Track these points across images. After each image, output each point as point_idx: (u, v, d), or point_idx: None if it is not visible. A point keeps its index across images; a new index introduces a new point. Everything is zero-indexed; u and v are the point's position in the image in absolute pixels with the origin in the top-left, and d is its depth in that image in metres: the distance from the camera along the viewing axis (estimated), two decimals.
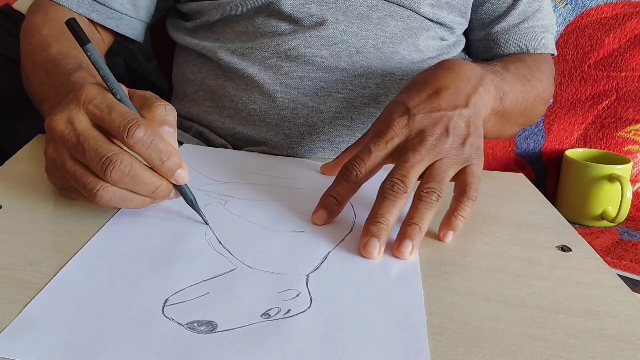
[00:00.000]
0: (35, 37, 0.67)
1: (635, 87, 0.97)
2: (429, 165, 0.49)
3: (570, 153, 0.98)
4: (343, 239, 0.48)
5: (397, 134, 0.51)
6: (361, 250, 0.46)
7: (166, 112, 0.46)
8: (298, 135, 0.70)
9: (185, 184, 0.47)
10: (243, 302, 0.38)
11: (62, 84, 0.56)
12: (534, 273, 0.45)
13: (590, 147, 1.00)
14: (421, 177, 0.49)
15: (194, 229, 0.48)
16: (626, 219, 0.93)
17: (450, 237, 0.49)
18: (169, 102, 0.49)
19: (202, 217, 0.49)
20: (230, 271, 0.42)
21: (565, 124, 1.01)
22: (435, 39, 0.76)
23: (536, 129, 1.02)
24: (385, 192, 0.47)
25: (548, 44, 0.80)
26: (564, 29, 0.99)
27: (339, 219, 0.51)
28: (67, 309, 0.37)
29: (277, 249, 0.46)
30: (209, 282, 0.40)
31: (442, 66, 0.57)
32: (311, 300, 0.39)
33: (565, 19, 0.99)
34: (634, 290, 0.44)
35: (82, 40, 0.47)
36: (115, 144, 0.44)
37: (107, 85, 0.47)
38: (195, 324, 0.36)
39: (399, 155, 0.50)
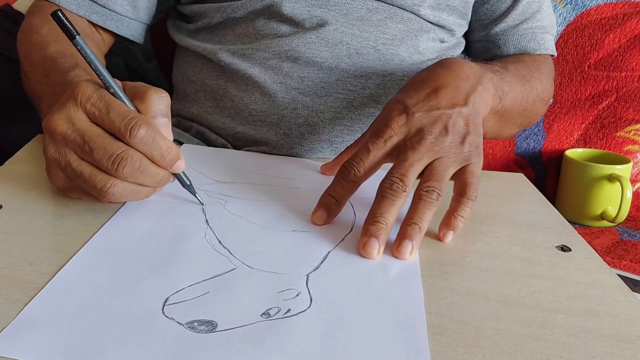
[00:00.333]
0: (34, 36, 0.67)
1: (635, 87, 0.97)
2: (428, 164, 0.49)
3: (570, 153, 0.98)
4: (343, 239, 0.48)
5: (396, 133, 0.51)
6: (360, 250, 0.46)
7: (159, 100, 0.47)
8: (298, 135, 0.70)
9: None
10: (243, 301, 0.38)
11: (59, 83, 0.57)
12: (533, 273, 0.45)
13: (590, 147, 1.00)
14: (420, 176, 0.49)
15: (194, 229, 0.48)
16: (626, 219, 0.93)
17: (450, 237, 0.49)
18: None
19: (198, 200, 0.52)
20: (230, 271, 0.42)
21: (565, 124, 1.01)
22: (435, 41, 0.76)
23: (536, 129, 1.02)
24: (384, 192, 0.47)
25: (548, 45, 0.80)
26: (564, 29, 0.99)
27: (338, 218, 0.51)
28: (67, 308, 0.37)
29: (277, 248, 0.46)
30: (209, 282, 0.40)
31: (441, 65, 0.57)
32: (311, 300, 0.39)
33: (565, 19, 0.99)
34: (634, 290, 0.44)
35: (70, 33, 0.46)
36: (118, 140, 0.45)
37: (99, 78, 0.47)
38: (195, 324, 0.36)
39: (398, 154, 0.50)
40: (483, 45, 0.82)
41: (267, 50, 0.70)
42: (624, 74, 0.97)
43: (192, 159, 0.62)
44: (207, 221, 0.49)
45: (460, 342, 0.36)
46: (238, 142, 0.73)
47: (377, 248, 0.45)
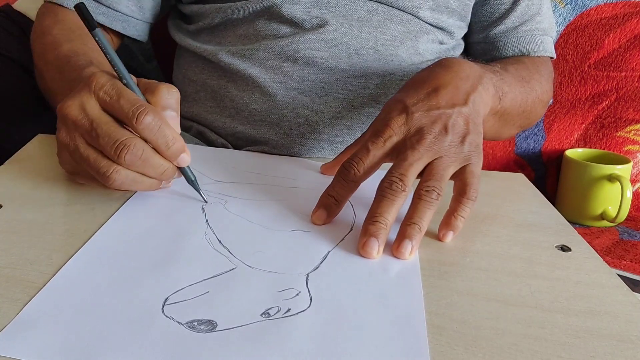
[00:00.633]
0: (47, 37, 0.69)
1: (635, 87, 0.97)
2: (428, 164, 0.49)
3: (570, 153, 0.98)
4: (343, 239, 0.48)
5: (396, 133, 0.51)
6: (360, 250, 0.46)
7: (169, 94, 0.49)
8: (298, 135, 0.70)
9: (187, 166, 0.51)
10: (243, 301, 0.38)
11: (74, 80, 0.58)
12: (533, 273, 0.45)
13: (590, 147, 1.00)
14: (420, 175, 0.49)
15: (194, 228, 0.48)
16: (626, 219, 0.93)
17: (450, 237, 0.49)
18: None
19: (202, 197, 0.52)
20: (230, 270, 0.42)
21: (565, 124, 1.01)
22: (435, 43, 0.76)
23: (536, 129, 1.02)
24: (384, 191, 0.47)
25: (547, 47, 0.80)
26: (564, 29, 0.99)
27: (338, 218, 0.51)
28: (67, 308, 0.37)
29: (277, 248, 0.46)
30: (209, 282, 0.40)
31: (441, 64, 0.57)
32: (311, 300, 0.39)
33: (565, 19, 0.99)
34: (634, 290, 0.44)
35: (90, 25, 0.49)
36: (126, 129, 0.47)
37: (114, 69, 0.49)
38: (195, 323, 0.36)
39: (398, 154, 0.50)
40: (482, 47, 0.82)
41: (267, 51, 0.70)
42: (624, 74, 0.97)
43: (192, 158, 0.62)
44: (207, 221, 0.49)
45: (460, 342, 0.36)
46: (238, 142, 0.73)
47: (376, 248, 0.45)
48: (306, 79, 0.70)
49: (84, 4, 0.49)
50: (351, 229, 0.50)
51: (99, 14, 0.72)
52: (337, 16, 0.70)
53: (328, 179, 0.52)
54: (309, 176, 0.62)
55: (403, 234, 0.46)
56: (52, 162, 0.58)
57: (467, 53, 0.84)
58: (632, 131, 0.99)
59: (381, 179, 0.48)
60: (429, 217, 0.47)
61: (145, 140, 0.47)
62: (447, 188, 0.49)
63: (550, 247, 0.49)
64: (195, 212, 0.51)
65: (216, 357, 0.33)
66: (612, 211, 0.92)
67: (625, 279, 0.71)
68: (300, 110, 0.70)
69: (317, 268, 0.43)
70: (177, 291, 0.39)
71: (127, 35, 0.76)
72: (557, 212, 0.57)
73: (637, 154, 0.99)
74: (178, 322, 0.36)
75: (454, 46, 0.80)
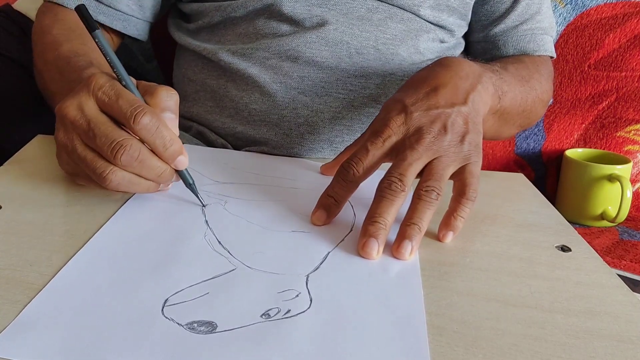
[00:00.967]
0: (47, 37, 0.69)
1: (635, 87, 0.97)
2: (428, 164, 0.49)
3: (570, 153, 0.98)
4: (343, 239, 0.48)
5: (395, 132, 0.51)
6: (360, 250, 0.46)
7: (168, 96, 0.49)
8: (298, 135, 0.70)
9: (185, 169, 0.50)
10: (243, 302, 0.38)
11: (75, 81, 0.58)
12: (533, 273, 0.45)
13: (590, 147, 1.00)
14: (420, 175, 0.49)
15: (194, 229, 0.48)
16: (626, 219, 0.93)
17: (449, 237, 0.49)
18: None
19: (199, 200, 0.52)
20: (230, 271, 0.42)
21: (565, 124, 1.01)
22: (435, 41, 0.76)
23: (536, 129, 1.02)
24: (383, 192, 0.47)
25: (547, 47, 0.80)
26: (564, 29, 0.99)
27: (338, 219, 0.51)
28: (66, 309, 0.37)
29: (276, 249, 0.46)
30: (209, 283, 0.40)
31: (441, 64, 0.57)
32: (311, 301, 0.39)
33: (565, 19, 0.99)
34: (634, 290, 0.44)
35: (91, 26, 0.49)
36: (124, 130, 0.47)
37: (113, 70, 0.49)
38: (195, 325, 0.36)
39: (397, 154, 0.50)
40: (482, 46, 0.81)
41: (267, 50, 0.70)
42: (624, 74, 0.97)
43: (192, 159, 0.61)
44: (206, 222, 0.49)
45: (460, 342, 0.36)
46: (238, 142, 0.73)
47: (376, 248, 0.45)
48: (306, 78, 0.70)
49: (84, 5, 0.49)
50: (351, 230, 0.50)
51: (99, 13, 0.72)
52: (337, 14, 0.70)
53: (328, 179, 0.52)
54: (308, 176, 0.62)
55: (403, 235, 0.46)
56: (52, 163, 0.58)
57: (467, 52, 0.84)
58: (632, 131, 0.98)
59: (380, 179, 0.48)
60: (428, 217, 0.47)
61: (143, 142, 0.47)
62: (446, 188, 0.49)
63: (550, 247, 0.49)
64: (195, 213, 0.51)
65: (216, 358, 0.33)
66: (612, 211, 0.92)
67: (625, 279, 0.71)
68: (300, 110, 0.70)
69: (317, 269, 0.43)
70: (177, 292, 0.39)
71: (128, 35, 0.76)
72: (557, 212, 0.57)
73: (637, 154, 0.99)
74: (178, 324, 0.36)
75: (455, 45, 0.80)
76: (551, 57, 0.82)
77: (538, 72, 0.75)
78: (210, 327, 0.36)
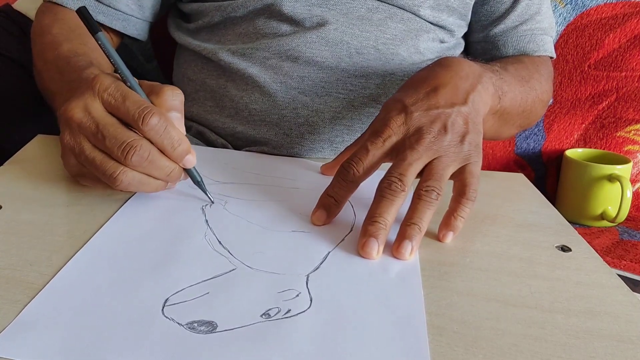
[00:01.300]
0: (46, 36, 0.69)
1: (635, 87, 0.97)
2: (428, 164, 0.49)
3: (570, 153, 0.98)
4: (343, 239, 0.48)
5: (395, 132, 0.51)
6: (360, 250, 0.46)
7: (173, 96, 0.49)
8: (298, 135, 0.70)
9: (193, 167, 0.51)
10: (243, 302, 0.38)
11: (74, 80, 0.58)
12: (533, 273, 0.45)
13: (590, 147, 1.00)
14: (420, 175, 0.49)
15: (194, 229, 0.48)
16: (626, 219, 0.93)
17: (449, 237, 0.49)
18: None
19: (208, 197, 0.52)
20: (230, 271, 0.42)
21: (565, 124, 1.01)
22: (435, 42, 0.76)
23: (536, 129, 1.02)
24: (383, 192, 0.47)
25: (547, 47, 0.80)
26: (564, 29, 0.99)
27: (338, 219, 0.51)
28: (66, 309, 0.37)
29: (277, 249, 0.46)
30: (209, 282, 0.40)
31: (441, 64, 0.57)
32: (311, 301, 0.39)
33: (565, 19, 0.99)
34: (634, 290, 0.44)
35: (93, 28, 0.49)
36: (132, 130, 0.47)
37: (117, 72, 0.49)
38: (195, 324, 0.36)
39: (397, 154, 0.50)
40: (482, 46, 0.81)
41: (267, 50, 0.70)
42: (624, 74, 0.97)
43: None
44: (207, 221, 0.49)
45: (460, 342, 0.36)
46: (238, 142, 0.73)
47: (376, 248, 0.45)
48: (306, 78, 0.70)
49: (85, 7, 0.49)
50: (351, 230, 0.50)
51: (98, 13, 0.72)
52: (337, 14, 0.70)
53: (328, 179, 0.52)
54: (308, 176, 0.62)
55: (403, 235, 0.46)
56: (52, 163, 0.58)
57: (467, 52, 0.84)
58: (632, 131, 0.98)
59: (380, 179, 0.48)
60: (428, 217, 0.47)
61: (151, 142, 0.47)
62: (446, 188, 0.49)
63: (550, 247, 0.49)
64: (195, 212, 0.51)
65: (216, 358, 0.33)
66: (612, 211, 0.92)
67: (625, 279, 0.71)
68: (300, 110, 0.70)
69: (317, 269, 0.43)
70: (177, 292, 0.39)
71: (127, 35, 0.76)
72: (557, 212, 0.57)
73: (637, 154, 0.99)
74: (178, 323, 0.36)
75: (455, 45, 0.80)
76: (551, 58, 0.82)
77: (538, 73, 0.75)
78: (210, 326, 0.36)
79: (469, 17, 0.79)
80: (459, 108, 0.52)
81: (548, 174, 1.03)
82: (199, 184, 0.52)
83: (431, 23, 0.74)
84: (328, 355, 0.34)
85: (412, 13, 0.72)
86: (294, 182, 0.60)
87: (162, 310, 0.37)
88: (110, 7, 0.73)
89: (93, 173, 0.48)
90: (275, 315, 0.37)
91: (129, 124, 0.47)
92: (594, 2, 0.97)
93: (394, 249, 0.46)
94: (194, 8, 0.76)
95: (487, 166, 1.03)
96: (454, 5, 0.74)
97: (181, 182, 0.52)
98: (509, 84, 0.65)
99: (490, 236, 0.51)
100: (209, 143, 0.75)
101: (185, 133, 0.50)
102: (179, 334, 0.35)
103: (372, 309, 0.39)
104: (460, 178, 0.50)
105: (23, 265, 0.41)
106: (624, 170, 0.92)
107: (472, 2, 0.77)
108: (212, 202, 0.53)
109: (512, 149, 1.03)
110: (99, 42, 0.49)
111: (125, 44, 0.86)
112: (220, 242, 0.46)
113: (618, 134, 0.99)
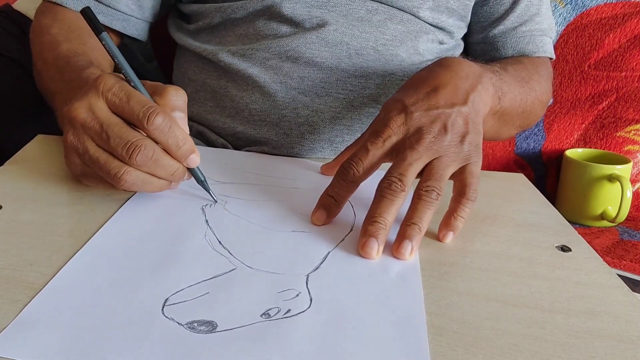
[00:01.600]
0: (46, 36, 0.69)
1: (635, 87, 0.97)
2: (428, 164, 0.49)
3: (570, 153, 0.98)
4: (343, 239, 0.48)
5: (395, 132, 0.51)
6: (360, 250, 0.46)
7: (177, 96, 0.49)
8: (298, 135, 0.70)
9: (197, 166, 0.51)
10: (243, 302, 0.38)
11: (74, 80, 0.58)
12: (533, 273, 0.45)
13: (590, 147, 1.00)
14: (420, 175, 0.49)
15: (194, 229, 0.48)
16: (626, 219, 0.93)
17: (449, 237, 0.49)
18: None
19: (212, 196, 0.53)
20: (230, 271, 0.42)
21: (565, 124, 1.01)
22: (435, 43, 0.76)
23: (536, 129, 1.02)
24: (383, 191, 0.47)
25: (546, 48, 0.80)
26: (564, 29, 0.99)
27: (338, 219, 0.51)
28: (67, 309, 0.37)
29: (277, 249, 0.46)
30: (209, 282, 0.40)
31: (441, 64, 0.57)
32: (311, 300, 0.39)
33: (565, 19, 0.99)
34: (634, 290, 0.44)
35: (97, 29, 0.50)
36: (136, 130, 0.47)
37: (121, 72, 0.49)
38: (195, 324, 0.36)
39: (397, 154, 0.50)
40: (482, 47, 0.82)
41: (267, 51, 0.70)
42: (624, 74, 0.97)
43: None
44: (207, 221, 0.49)
45: (460, 342, 0.36)
46: (238, 142, 0.73)
47: (376, 248, 0.45)
48: (306, 78, 0.70)
49: (89, 8, 0.49)
50: (351, 230, 0.50)
51: (98, 13, 0.72)
52: (337, 16, 0.70)
53: (328, 179, 0.52)
54: (308, 176, 0.62)
55: (403, 235, 0.46)
56: (52, 163, 0.58)
57: (467, 53, 0.84)
58: (632, 131, 0.99)
59: (380, 179, 0.48)
60: (428, 217, 0.47)
61: (156, 141, 0.47)
62: (447, 188, 0.49)
63: (550, 247, 0.49)
64: (195, 212, 0.51)
65: (216, 357, 0.33)
66: (612, 211, 0.92)
67: (625, 279, 0.71)
68: (300, 110, 0.70)
69: (317, 269, 0.43)
70: (177, 292, 0.39)
71: (127, 35, 0.76)
72: (557, 212, 0.57)
73: (637, 154, 0.99)
74: (178, 323, 0.36)
75: (454, 46, 0.80)
76: (550, 59, 0.82)
77: (537, 73, 0.75)
78: (210, 326, 0.36)
79: (469, 19, 0.79)
80: (459, 108, 0.52)
81: (548, 174, 1.03)
82: (202, 183, 0.52)
83: (430, 24, 0.74)
84: (328, 355, 0.34)
85: (412, 14, 0.73)
86: (294, 182, 0.60)
87: (162, 310, 0.37)
88: (110, 7, 0.73)
89: (96, 173, 0.48)
90: (275, 315, 0.37)
91: (132, 124, 0.47)
92: (594, 2, 0.97)
93: (394, 249, 0.46)
94: (194, 9, 0.77)
95: (487, 166, 1.03)
96: (453, 6, 0.74)
97: (181, 182, 0.52)
98: (509, 84, 0.65)
99: (490, 236, 0.51)
100: (209, 143, 0.75)
101: (189, 132, 0.50)
102: (179, 334, 0.35)
103: (372, 309, 0.39)
104: (460, 178, 0.50)
105: (23, 265, 0.41)
106: (624, 170, 0.92)
107: (472, 4, 0.77)
108: (216, 202, 0.53)
109: (512, 149, 1.03)
110: (103, 43, 0.50)
111: (125, 44, 0.86)
112: (220, 242, 0.46)
113: (618, 134, 0.99)
